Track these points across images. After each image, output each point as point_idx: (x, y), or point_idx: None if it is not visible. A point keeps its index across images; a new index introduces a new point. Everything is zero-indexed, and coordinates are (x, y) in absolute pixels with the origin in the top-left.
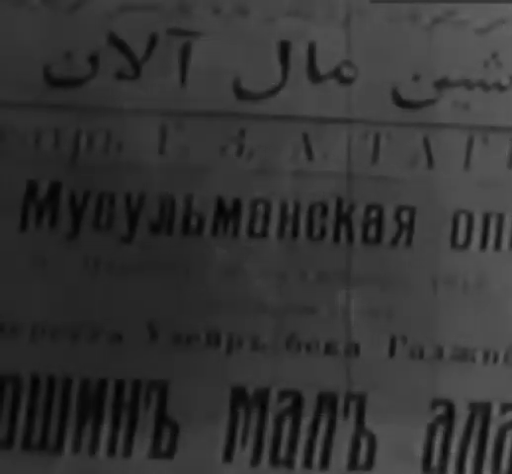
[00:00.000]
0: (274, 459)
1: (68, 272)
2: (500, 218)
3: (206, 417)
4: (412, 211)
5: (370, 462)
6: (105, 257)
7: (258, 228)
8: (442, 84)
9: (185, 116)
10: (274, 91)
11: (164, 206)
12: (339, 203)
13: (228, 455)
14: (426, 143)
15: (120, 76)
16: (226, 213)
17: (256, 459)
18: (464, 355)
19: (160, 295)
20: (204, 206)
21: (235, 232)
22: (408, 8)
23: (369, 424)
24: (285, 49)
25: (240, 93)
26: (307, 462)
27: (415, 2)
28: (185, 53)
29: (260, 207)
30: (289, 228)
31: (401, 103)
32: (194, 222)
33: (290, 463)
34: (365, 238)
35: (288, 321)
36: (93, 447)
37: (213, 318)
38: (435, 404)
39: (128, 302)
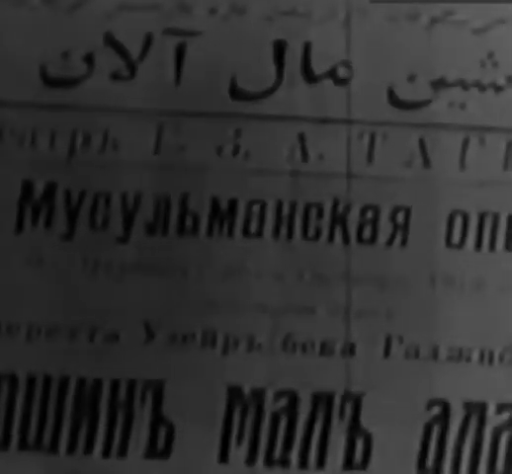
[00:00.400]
0: (269, 459)
1: (65, 272)
2: (495, 218)
3: (202, 416)
4: (408, 212)
5: (365, 462)
6: (101, 257)
7: (253, 228)
8: (438, 84)
9: (181, 115)
10: (269, 91)
11: (159, 206)
12: (335, 204)
13: (224, 455)
14: (422, 143)
15: (115, 76)
16: (222, 213)
17: (252, 459)
18: (459, 355)
19: (156, 295)
20: (199, 206)
21: (230, 232)
22: (407, 8)
23: (364, 423)
24: (280, 49)
25: (236, 93)
26: (303, 462)
27: (414, 2)
28: (180, 53)
29: (255, 208)
30: (284, 229)
31: (398, 103)
32: (189, 222)
33: (285, 463)
34: (360, 238)
35: (284, 321)
36: (88, 447)
37: (209, 318)
38: (431, 404)
39: (124, 302)
